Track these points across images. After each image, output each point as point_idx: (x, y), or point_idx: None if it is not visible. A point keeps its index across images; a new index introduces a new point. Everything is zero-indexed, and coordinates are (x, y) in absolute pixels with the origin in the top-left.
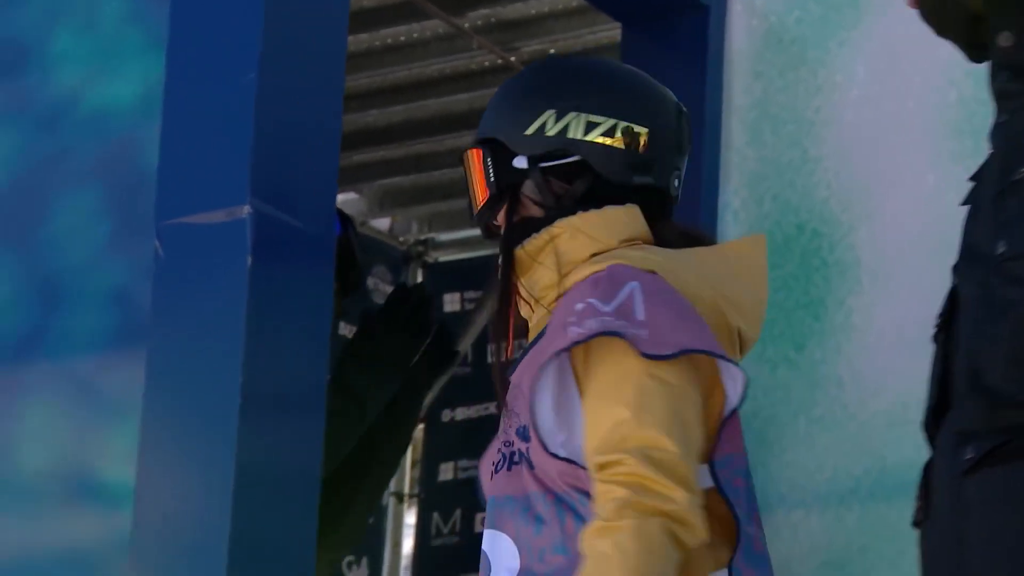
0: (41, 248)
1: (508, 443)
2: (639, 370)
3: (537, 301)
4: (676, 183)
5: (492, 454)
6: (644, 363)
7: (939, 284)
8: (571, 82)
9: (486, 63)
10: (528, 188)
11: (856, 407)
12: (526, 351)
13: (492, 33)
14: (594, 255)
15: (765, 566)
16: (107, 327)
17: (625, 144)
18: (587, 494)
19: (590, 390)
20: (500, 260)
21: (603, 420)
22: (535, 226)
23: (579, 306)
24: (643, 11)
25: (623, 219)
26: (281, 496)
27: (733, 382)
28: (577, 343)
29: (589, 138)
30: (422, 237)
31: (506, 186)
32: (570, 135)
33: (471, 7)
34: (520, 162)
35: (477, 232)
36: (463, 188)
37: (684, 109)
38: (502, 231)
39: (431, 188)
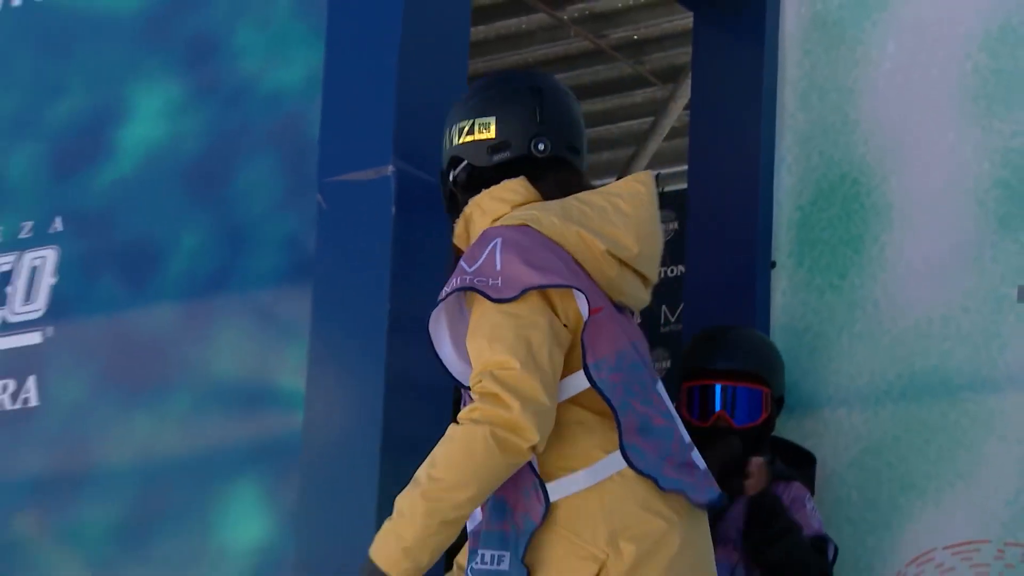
0: (229, 203)
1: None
2: (492, 310)
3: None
4: (541, 146)
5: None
6: (496, 305)
7: (957, 223)
8: (451, 109)
9: (581, 49)
10: (455, 182)
11: (889, 324)
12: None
13: (586, 23)
14: (494, 221)
15: (667, 436)
16: (281, 266)
17: (480, 135)
18: None
19: (468, 330)
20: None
21: (472, 351)
22: (462, 198)
23: (469, 258)
24: (711, 1)
25: (509, 189)
26: (423, 401)
27: (581, 301)
28: (440, 300)
29: (459, 141)
30: None
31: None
32: (453, 144)
33: (569, 2)
34: (453, 165)
35: None
36: None
37: (541, 86)
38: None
39: None
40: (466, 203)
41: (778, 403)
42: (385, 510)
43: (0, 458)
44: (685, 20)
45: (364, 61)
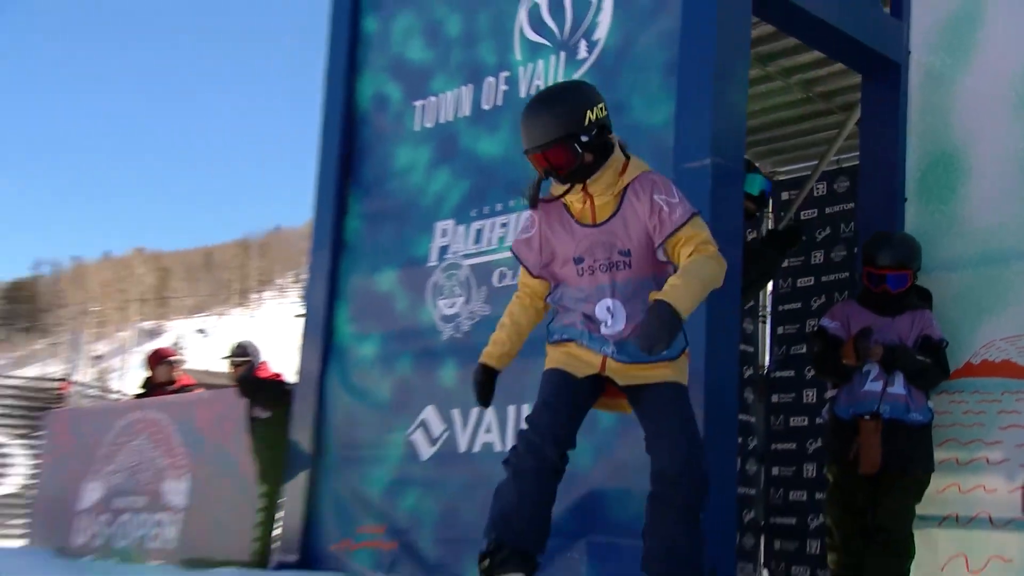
0: None
1: (618, 264)
2: (697, 217)
3: (608, 187)
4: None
5: (593, 266)
6: (695, 214)
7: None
8: (583, 97)
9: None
10: (588, 149)
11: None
12: (614, 214)
13: (793, 75)
14: (624, 166)
15: None
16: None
17: (606, 115)
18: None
19: (687, 226)
20: (569, 180)
21: (692, 234)
22: (599, 162)
23: (671, 195)
24: (870, 67)
25: (621, 151)
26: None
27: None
28: (687, 218)
29: (601, 118)
30: None
31: (582, 152)
32: (598, 118)
33: (780, 56)
34: (584, 139)
35: None
36: None
37: None
38: (571, 170)
39: None
40: (600, 157)
41: (915, 272)
42: None
43: None
44: (857, 77)
45: (695, 104)
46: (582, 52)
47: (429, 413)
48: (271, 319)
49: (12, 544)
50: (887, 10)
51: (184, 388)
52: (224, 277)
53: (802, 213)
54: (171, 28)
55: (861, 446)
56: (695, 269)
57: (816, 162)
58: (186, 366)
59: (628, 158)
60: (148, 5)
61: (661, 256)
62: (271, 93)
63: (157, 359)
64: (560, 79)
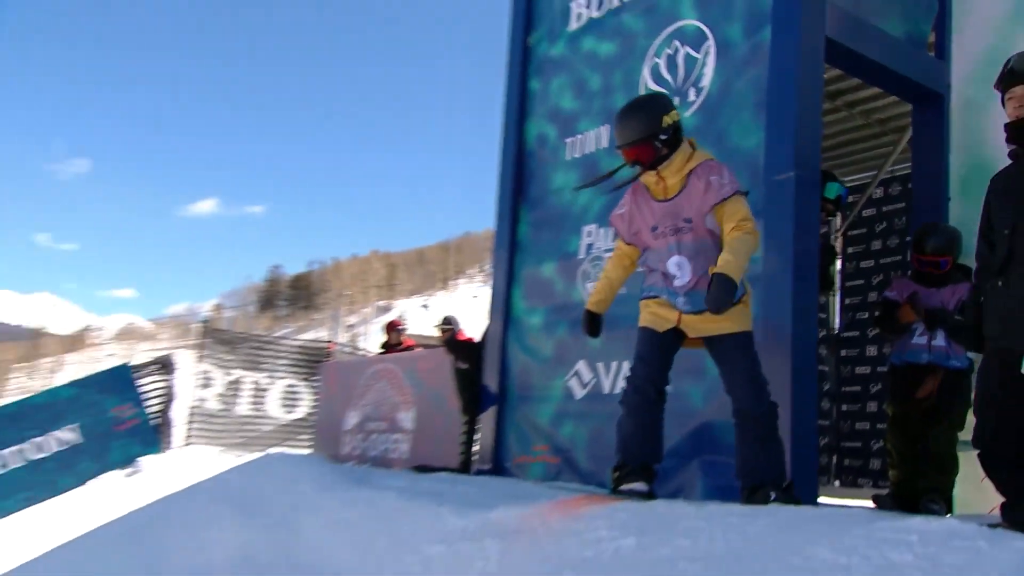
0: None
1: (682, 230)
2: (740, 195)
3: (678, 171)
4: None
5: (664, 231)
6: (741, 194)
7: None
8: (660, 106)
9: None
10: (665, 145)
11: None
12: (680, 191)
13: (856, 107)
14: (690, 156)
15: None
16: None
17: (679, 119)
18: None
19: (738, 200)
20: (641, 168)
21: (736, 210)
22: (670, 154)
23: (722, 176)
24: (918, 98)
25: (688, 144)
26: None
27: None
28: (732, 192)
29: (675, 121)
30: None
31: (658, 147)
32: (670, 122)
33: (846, 92)
34: (662, 137)
35: None
36: None
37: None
38: (649, 162)
39: None
40: (673, 149)
41: (956, 257)
42: None
43: None
44: (907, 106)
45: (781, 131)
46: (691, 96)
47: (580, 365)
48: (465, 299)
49: (301, 452)
50: (932, 53)
51: (408, 348)
52: (431, 269)
53: (863, 211)
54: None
55: (924, 383)
56: (738, 246)
57: (875, 172)
58: (409, 333)
59: (694, 149)
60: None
61: (710, 223)
62: (471, 132)
63: (391, 328)
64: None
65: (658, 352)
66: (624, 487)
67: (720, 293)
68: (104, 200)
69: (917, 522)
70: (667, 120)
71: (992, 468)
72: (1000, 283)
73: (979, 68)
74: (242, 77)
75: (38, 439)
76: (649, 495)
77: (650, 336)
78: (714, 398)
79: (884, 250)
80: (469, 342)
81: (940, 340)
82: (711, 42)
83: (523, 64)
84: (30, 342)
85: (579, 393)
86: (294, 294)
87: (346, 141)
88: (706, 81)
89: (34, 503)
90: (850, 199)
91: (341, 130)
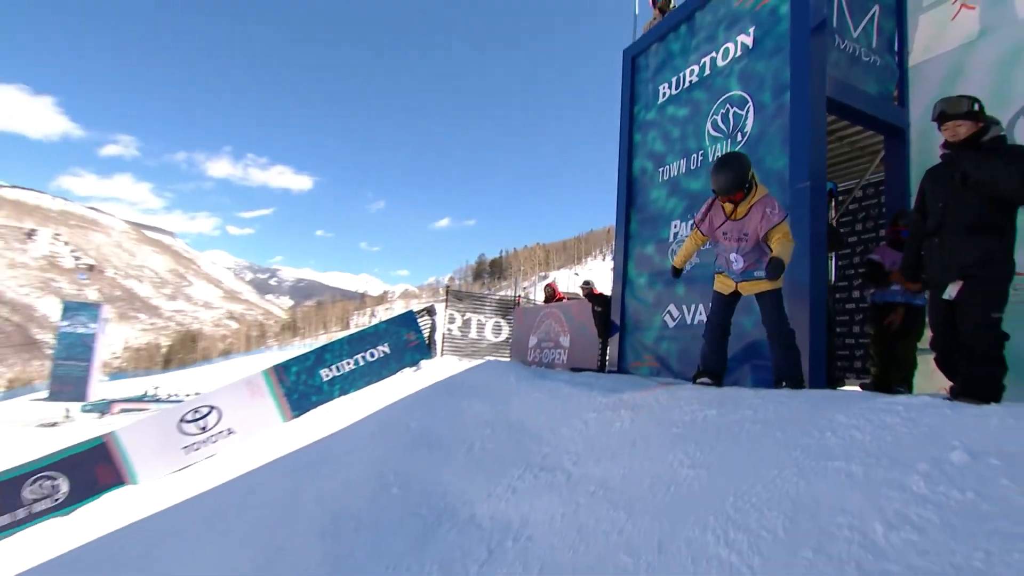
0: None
1: (743, 240)
2: (785, 220)
3: (747, 204)
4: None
5: (730, 238)
6: (784, 219)
7: None
8: (747, 164)
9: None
10: (747, 190)
11: None
12: (742, 218)
13: (845, 139)
14: (755, 193)
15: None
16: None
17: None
18: (765, 247)
19: (783, 224)
20: (727, 202)
21: (784, 233)
22: (748, 194)
23: (774, 207)
24: (888, 131)
25: (756, 185)
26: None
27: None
28: (782, 218)
29: (753, 174)
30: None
31: (745, 191)
32: (751, 176)
33: (840, 131)
34: (747, 186)
35: None
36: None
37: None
38: (738, 201)
39: None
40: (752, 187)
41: None
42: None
43: None
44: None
45: (799, 156)
46: (739, 138)
47: (671, 307)
48: (597, 269)
49: (505, 360)
50: (896, 103)
51: (561, 300)
52: (571, 252)
53: (849, 206)
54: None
55: (893, 317)
56: (785, 246)
57: (857, 180)
58: (562, 290)
59: (757, 186)
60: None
61: (762, 239)
62: (590, 163)
63: (550, 288)
64: (728, 149)
65: (722, 310)
66: (700, 380)
67: (776, 269)
68: (388, 219)
69: (901, 398)
70: (751, 175)
71: (941, 361)
72: (936, 241)
73: (927, 111)
74: (450, 121)
75: (371, 350)
76: (717, 386)
77: (718, 297)
78: (757, 326)
79: (863, 230)
80: (601, 295)
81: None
82: (751, 104)
83: (630, 124)
84: (358, 301)
85: (671, 324)
86: (492, 270)
87: (521, 173)
88: (748, 127)
89: (370, 384)
90: (840, 197)
91: (519, 166)
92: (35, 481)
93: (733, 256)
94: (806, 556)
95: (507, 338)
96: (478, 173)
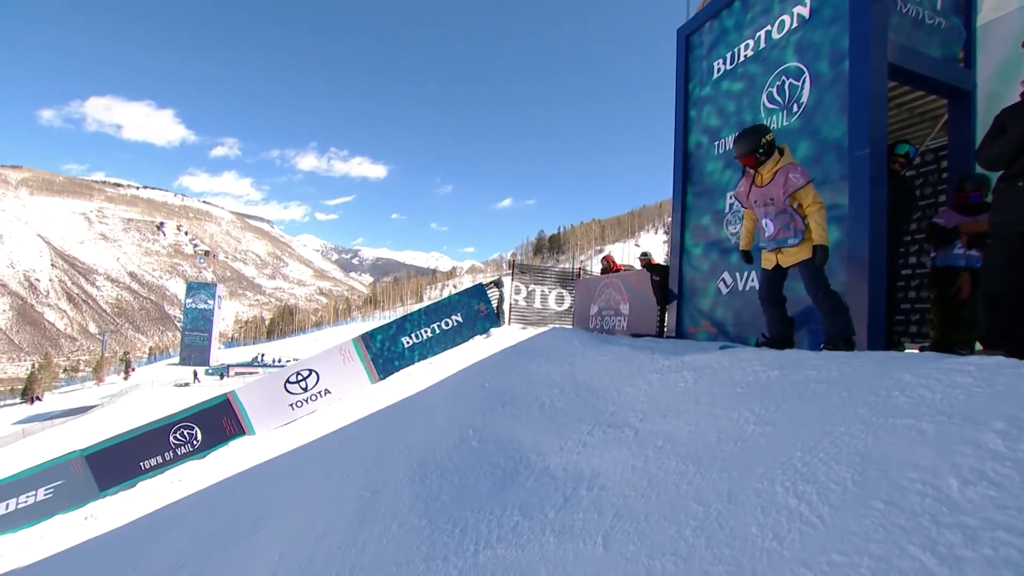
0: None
1: (769, 204)
2: (811, 184)
3: (770, 169)
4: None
5: (763, 207)
6: (810, 182)
7: None
8: (760, 133)
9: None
10: (762, 155)
11: None
12: (767, 184)
13: (904, 106)
14: (778, 161)
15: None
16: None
17: (772, 138)
18: (795, 212)
19: (808, 188)
20: (753, 168)
21: (812, 194)
22: (765, 160)
23: (799, 172)
24: (953, 95)
25: (778, 153)
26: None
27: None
28: (808, 180)
29: (768, 140)
30: None
31: (758, 157)
32: (765, 141)
33: (899, 97)
34: (760, 152)
35: None
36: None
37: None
38: (752, 166)
39: None
40: (773, 154)
41: (987, 192)
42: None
43: None
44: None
45: (858, 122)
46: (795, 109)
47: (725, 274)
48: (650, 242)
49: (568, 327)
50: (962, 65)
51: (618, 270)
52: (624, 227)
53: (906, 172)
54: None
55: (961, 282)
56: (818, 219)
57: (916, 146)
58: (619, 262)
59: (782, 155)
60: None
61: (789, 202)
62: (644, 141)
63: (607, 260)
64: (784, 125)
65: (769, 284)
66: (762, 342)
67: (822, 256)
68: (455, 201)
69: (972, 358)
70: (763, 140)
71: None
72: (1021, 184)
73: (996, 71)
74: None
75: (445, 320)
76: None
77: (763, 272)
78: (806, 300)
79: (921, 196)
80: (659, 264)
81: (973, 252)
82: (807, 74)
83: (685, 101)
84: (429, 276)
85: (724, 291)
86: (551, 245)
87: (577, 154)
88: (804, 98)
89: (445, 350)
90: (916, 160)
91: (575, 147)
92: (177, 430)
93: (764, 222)
94: (877, 507)
95: (569, 307)
96: (537, 155)
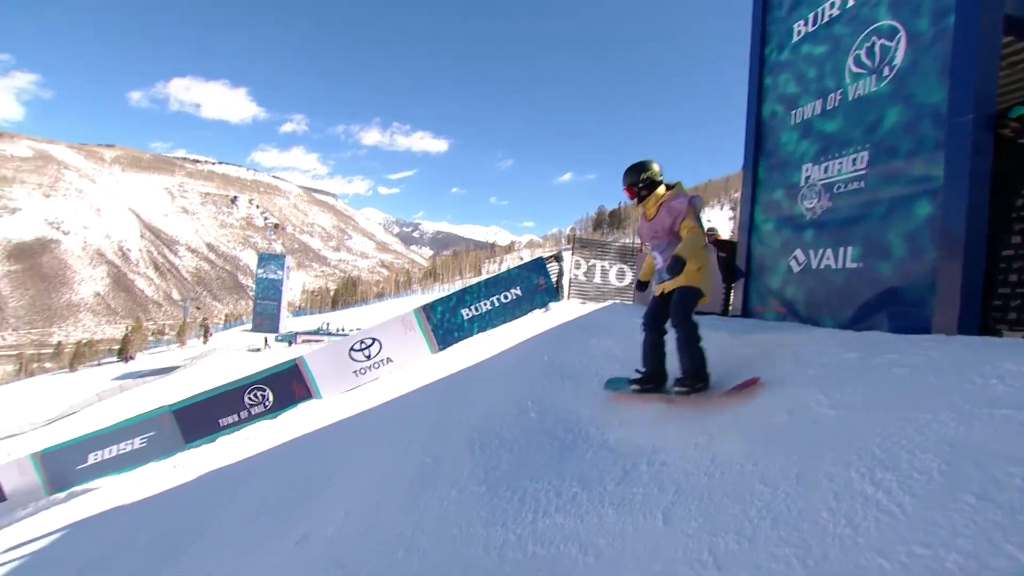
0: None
1: (656, 237)
2: (691, 211)
3: (654, 204)
4: (661, 178)
5: (651, 240)
6: (690, 208)
7: None
8: (643, 170)
9: None
10: (643, 188)
11: None
12: (653, 218)
13: (1016, 65)
14: (662, 196)
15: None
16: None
17: (651, 173)
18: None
19: (689, 212)
20: (637, 200)
21: (691, 221)
22: (647, 194)
23: (677, 198)
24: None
25: (663, 188)
26: None
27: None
28: (687, 207)
29: (652, 174)
30: None
31: (638, 190)
32: (646, 176)
33: (1010, 56)
34: (640, 186)
35: None
36: None
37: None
38: (635, 197)
39: None
40: (652, 190)
41: None
42: None
43: None
44: None
45: (962, 87)
46: (885, 72)
47: (798, 251)
48: (717, 217)
49: (628, 303)
50: None
51: None
52: (703, 199)
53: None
54: None
55: None
56: (688, 239)
57: None
58: None
59: (668, 188)
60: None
61: (676, 231)
62: (710, 116)
63: None
64: (872, 91)
65: (653, 306)
66: (632, 388)
67: (674, 266)
68: (515, 175)
69: None
70: (643, 176)
71: None
72: None
73: None
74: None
75: (504, 293)
76: (654, 392)
77: (652, 300)
78: (896, 271)
79: None
80: (726, 240)
81: None
82: (902, 33)
83: (760, 67)
84: (488, 250)
85: (796, 268)
86: (611, 220)
87: (638, 129)
88: (897, 60)
89: (504, 323)
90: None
91: (637, 121)
92: (251, 391)
93: (655, 255)
94: (968, 501)
95: (630, 283)
96: (599, 129)
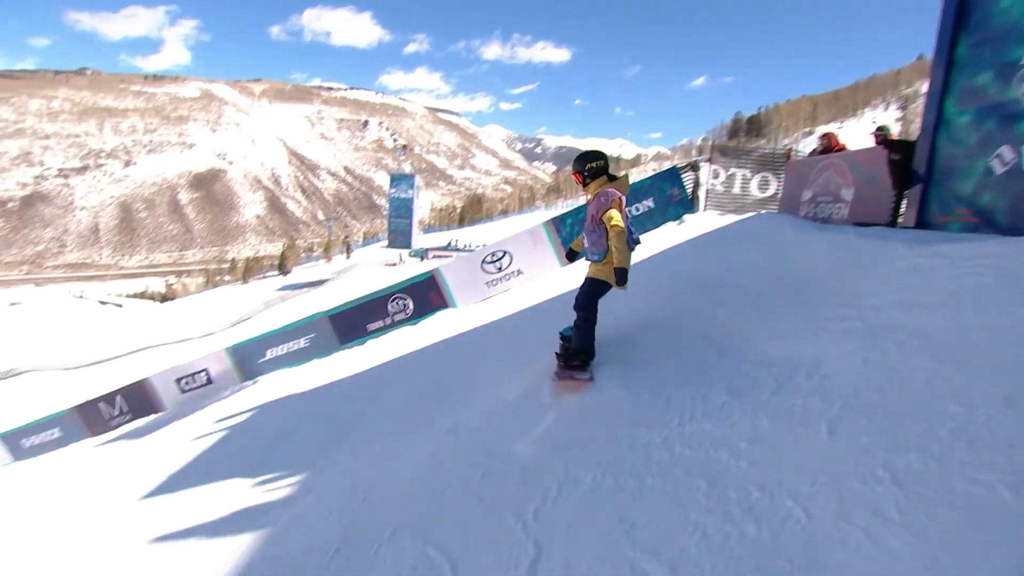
0: None
1: (591, 224)
2: (615, 205)
3: (590, 195)
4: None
5: (587, 228)
6: (613, 204)
7: None
8: (591, 159)
9: None
10: (588, 176)
11: None
12: (590, 202)
13: None
14: (600, 185)
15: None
16: None
17: (598, 165)
18: (602, 231)
19: (610, 211)
20: (583, 185)
21: (615, 214)
22: (589, 182)
23: (608, 196)
24: None
25: (604, 178)
26: None
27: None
28: (613, 198)
29: (595, 166)
30: None
31: (583, 177)
32: (591, 166)
33: None
34: (585, 174)
35: None
36: None
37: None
38: (581, 183)
39: None
40: (595, 178)
41: None
42: None
43: None
44: None
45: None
46: None
47: (1004, 148)
48: (883, 118)
49: (774, 213)
50: None
51: (840, 150)
52: (844, 103)
53: None
54: None
55: None
56: (615, 242)
57: None
58: (841, 139)
59: (609, 180)
60: None
61: (600, 220)
62: None
63: (828, 138)
64: None
65: (581, 288)
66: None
67: (621, 276)
68: (642, 82)
69: None
70: (588, 166)
71: None
72: None
73: None
74: None
75: (636, 204)
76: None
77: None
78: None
79: None
80: (902, 141)
81: None
82: None
83: None
84: (613, 164)
85: (999, 170)
86: (749, 127)
87: (785, 19)
88: None
89: (638, 235)
90: None
91: (781, 9)
92: (394, 299)
93: (586, 238)
94: None
95: (775, 193)
96: (737, 25)
